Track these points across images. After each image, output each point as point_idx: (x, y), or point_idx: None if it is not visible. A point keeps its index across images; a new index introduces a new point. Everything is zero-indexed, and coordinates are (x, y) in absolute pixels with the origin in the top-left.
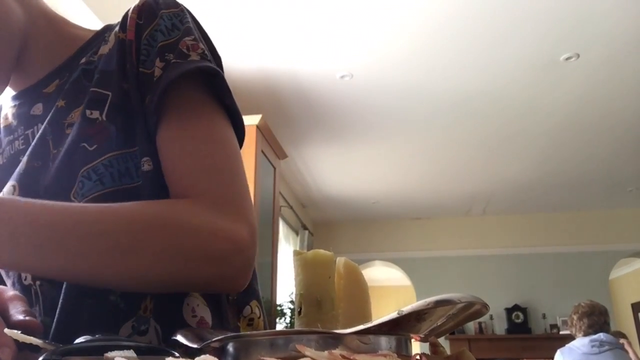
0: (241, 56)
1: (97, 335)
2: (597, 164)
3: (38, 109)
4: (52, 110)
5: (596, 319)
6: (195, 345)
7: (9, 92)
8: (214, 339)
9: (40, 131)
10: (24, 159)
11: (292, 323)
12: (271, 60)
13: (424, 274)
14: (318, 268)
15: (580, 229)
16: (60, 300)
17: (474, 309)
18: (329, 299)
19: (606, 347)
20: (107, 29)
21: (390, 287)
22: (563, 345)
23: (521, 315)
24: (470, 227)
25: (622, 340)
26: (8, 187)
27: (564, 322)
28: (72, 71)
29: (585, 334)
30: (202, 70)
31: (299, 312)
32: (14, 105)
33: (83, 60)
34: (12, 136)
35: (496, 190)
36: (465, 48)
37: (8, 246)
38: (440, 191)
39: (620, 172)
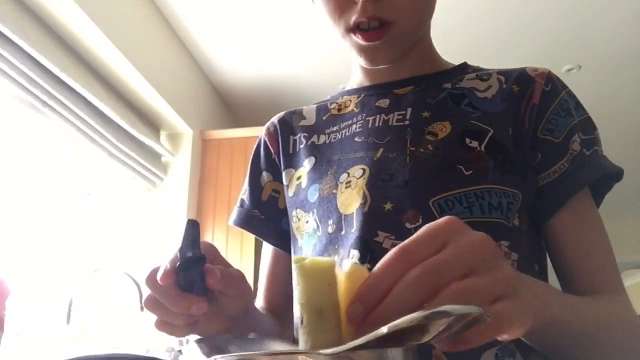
0: (243, 66)
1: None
2: None
3: (384, 103)
4: (410, 114)
5: None
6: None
7: (358, 83)
8: (218, 357)
9: (389, 124)
10: (381, 149)
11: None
12: (274, 72)
13: None
14: (317, 276)
15: None
16: None
17: (473, 317)
18: (330, 307)
19: None
20: (469, 66)
21: None
22: None
23: None
24: None
25: None
26: (356, 169)
27: None
28: (430, 86)
29: None
30: (620, 176)
31: (301, 322)
32: (359, 96)
33: (448, 85)
34: (350, 121)
35: None
36: (465, 60)
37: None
38: None
39: (624, 183)
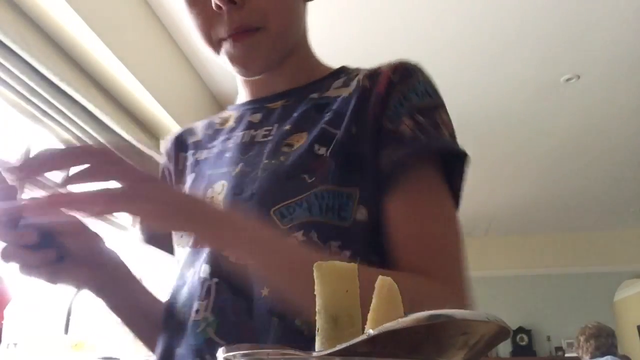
0: None
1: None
2: (600, 185)
3: (256, 118)
4: (275, 129)
5: (603, 341)
6: None
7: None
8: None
9: (255, 140)
10: (241, 164)
11: None
12: None
13: None
14: (334, 280)
15: (584, 250)
16: (254, 312)
17: (495, 332)
18: (347, 315)
19: None
20: (343, 71)
21: None
22: None
23: (525, 338)
24: (473, 248)
25: None
26: (218, 184)
27: (569, 345)
28: (299, 98)
29: (593, 357)
30: (453, 152)
31: (317, 328)
32: (239, 111)
33: (315, 95)
34: (226, 135)
35: (498, 211)
36: (465, 70)
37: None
38: None
39: (624, 192)
